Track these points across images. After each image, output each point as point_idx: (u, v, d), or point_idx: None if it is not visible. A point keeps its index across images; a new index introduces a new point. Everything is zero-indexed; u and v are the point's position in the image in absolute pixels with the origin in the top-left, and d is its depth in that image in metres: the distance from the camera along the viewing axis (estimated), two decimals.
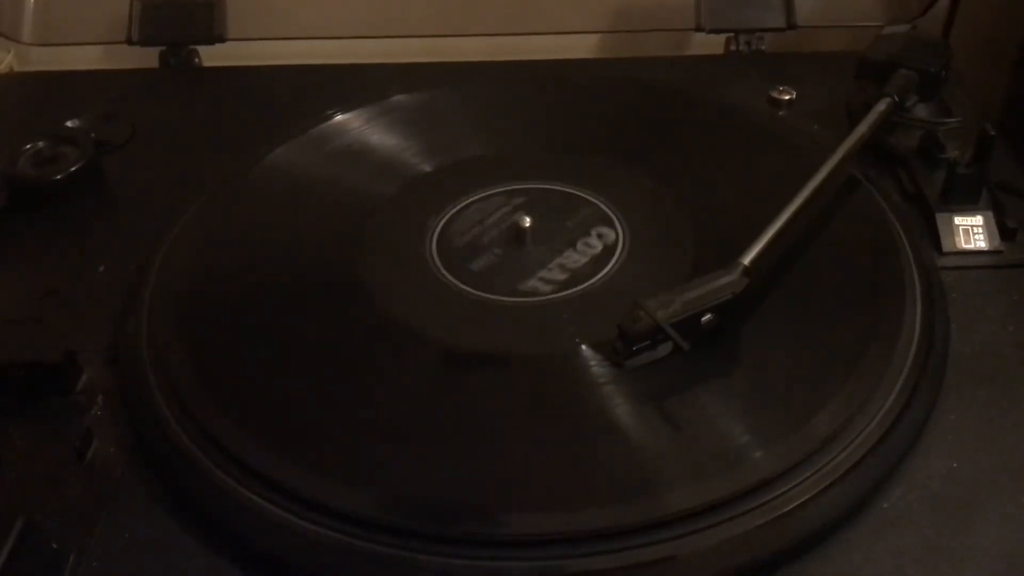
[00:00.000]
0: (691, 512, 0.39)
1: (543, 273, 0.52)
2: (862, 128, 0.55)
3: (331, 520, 0.40)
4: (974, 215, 0.54)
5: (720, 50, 0.75)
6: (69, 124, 0.64)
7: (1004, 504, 0.41)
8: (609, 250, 0.53)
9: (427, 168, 0.60)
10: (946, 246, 0.54)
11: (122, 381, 0.48)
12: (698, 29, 0.73)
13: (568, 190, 0.57)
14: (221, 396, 0.45)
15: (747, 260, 0.47)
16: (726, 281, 0.46)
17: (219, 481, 0.42)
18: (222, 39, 0.74)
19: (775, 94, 0.66)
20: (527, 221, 0.53)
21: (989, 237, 0.54)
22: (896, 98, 0.58)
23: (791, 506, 0.40)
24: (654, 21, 0.77)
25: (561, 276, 0.51)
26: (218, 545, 0.41)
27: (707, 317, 0.45)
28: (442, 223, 0.55)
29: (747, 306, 0.47)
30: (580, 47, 0.79)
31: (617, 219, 0.55)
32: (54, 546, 0.39)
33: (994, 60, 0.73)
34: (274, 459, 0.42)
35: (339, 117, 0.62)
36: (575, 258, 0.52)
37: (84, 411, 0.46)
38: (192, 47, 0.75)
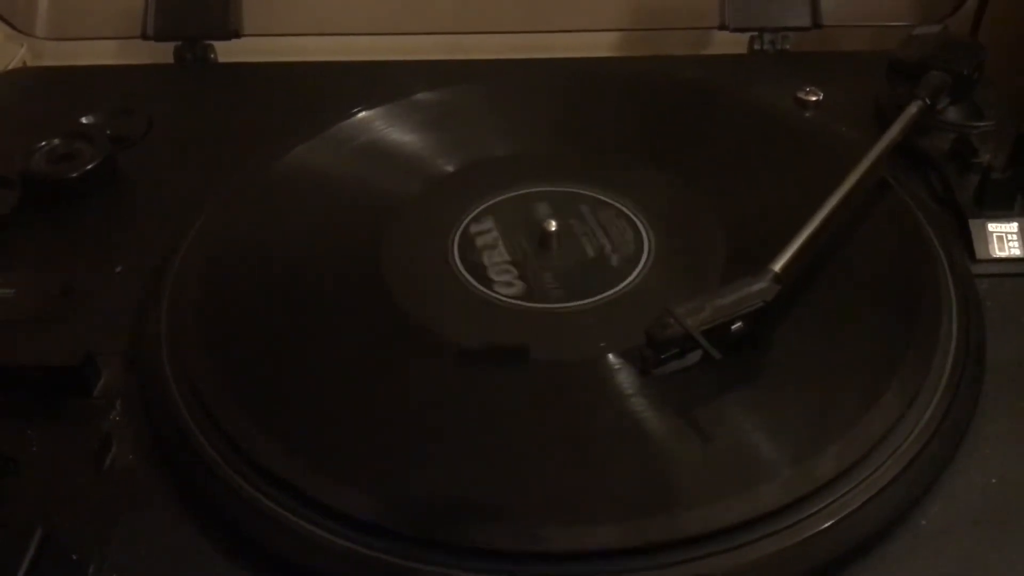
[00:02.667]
0: (721, 530, 0.38)
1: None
2: (894, 131, 0.54)
3: (354, 531, 0.39)
4: (1009, 222, 0.53)
5: (742, 49, 0.74)
6: (84, 120, 0.63)
7: None
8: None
9: (450, 168, 0.59)
10: (979, 253, 0.52)
11: (141, 385, 0.47)
12: (722, 27, 0.72)
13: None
14: (243, 400, 0.44)
15: (778, 267, 0.46)
16: (757, 288, 0.45)
17: (241, 488, 0.41)
18: (238, 34, 0.74)
19: (802, 95, 0.65)
20: (553, 225, 0.52)
21: None
22: (928, 100, 0.57)
23: (825, 524, 0.38)
24: (677, 19, 0.76)
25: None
26: (241, 554, 0.40)
27: (736, 325, 0.44)
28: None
29: (776, 314, 0.46)
30: (602, 45, 0.79)
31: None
32: (74, 557, 0.38)
33: (1022, 60, 0.72)
34: (298, 466, 0.41)
35: (362, 114, 0.61)
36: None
37: (102, 416, 0.45)
38: (208, 42, 0.74)
